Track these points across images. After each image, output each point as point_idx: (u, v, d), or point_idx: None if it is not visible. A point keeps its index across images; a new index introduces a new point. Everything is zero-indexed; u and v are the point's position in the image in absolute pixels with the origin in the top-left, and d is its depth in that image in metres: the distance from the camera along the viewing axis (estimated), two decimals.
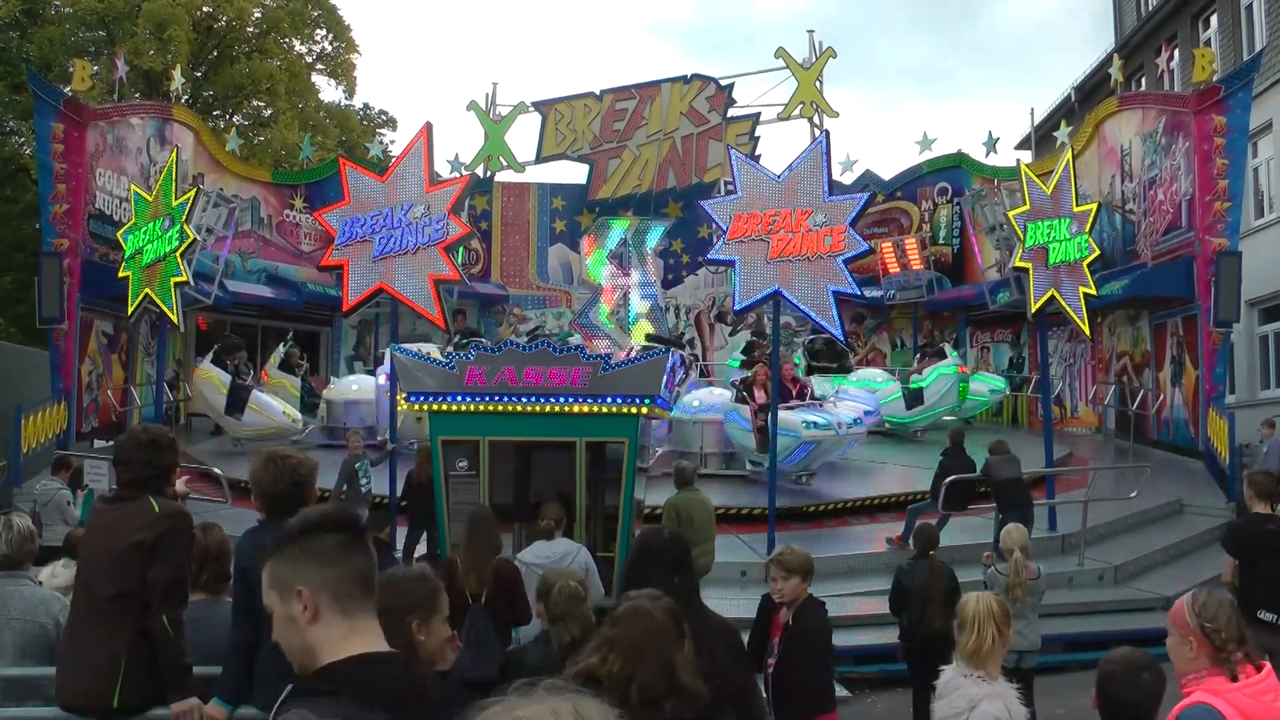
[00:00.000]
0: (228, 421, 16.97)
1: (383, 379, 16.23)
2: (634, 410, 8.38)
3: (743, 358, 17.57)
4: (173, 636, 3.81)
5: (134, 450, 4.03)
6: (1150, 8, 24.18)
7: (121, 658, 3.76)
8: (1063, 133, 20.12)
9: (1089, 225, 12.39)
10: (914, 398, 18.22)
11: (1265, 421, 14.78)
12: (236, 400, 16.75)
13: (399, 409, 11.09)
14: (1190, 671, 3.25)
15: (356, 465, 11.61)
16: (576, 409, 8.35)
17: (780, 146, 52.76)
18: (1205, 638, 3.23)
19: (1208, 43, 21.01)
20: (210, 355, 17.41)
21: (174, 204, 13.62)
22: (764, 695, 4.48)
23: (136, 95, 23.57)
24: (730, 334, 23.64)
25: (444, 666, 3.10)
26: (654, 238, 24.19)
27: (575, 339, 20.02)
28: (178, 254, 13.36)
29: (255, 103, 31.26)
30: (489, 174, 24.19)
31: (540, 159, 24.32)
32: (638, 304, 24.14)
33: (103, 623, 3.81)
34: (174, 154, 15.19)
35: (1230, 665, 3.22)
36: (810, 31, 24.38)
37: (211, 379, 17.15)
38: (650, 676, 3.00)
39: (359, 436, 12.60)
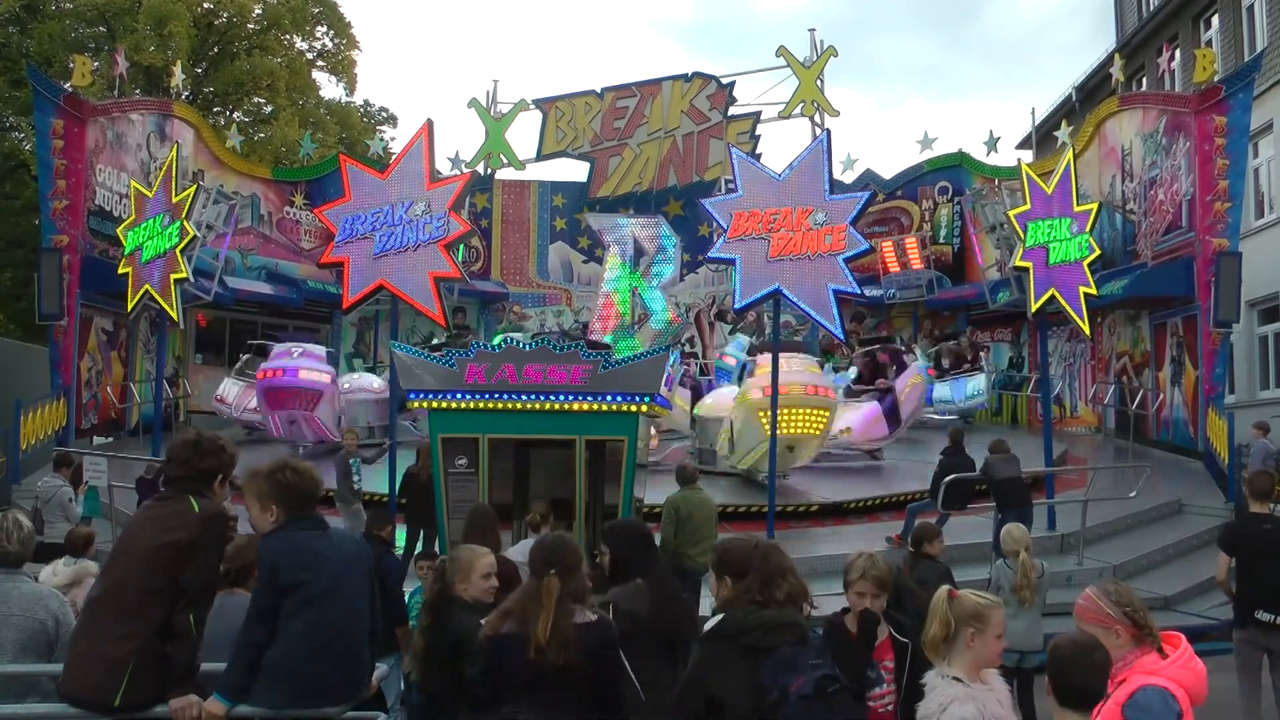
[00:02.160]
0: None
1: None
2: (633, 408, 8.39)
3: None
4: (195, 636, 3.82)
5: (178, 449, 4.11)
6: (1151, 8, 24.18)
7: (131, 658, 3.75)
8: (1063, 132, 20.14)
9: (1089, 225, 12.39)
10: None
11: (1256, 424, 14.79)
12: None
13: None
14: (1117, 660, 3.32)
15: (350, 462, 11.75)
16: (576, 407, 8.35)
17: (781, 145, 52.88)
18: (1130, 621, 3.33)
19: (1209, 43, 21.01)
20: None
21: (174, 200, 13.61)
22: None
23: (137, 91, 23.56)
24: (730, 332, 23.63)
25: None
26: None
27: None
28: (178, 250, 13.36)
29: (256, 99, 31.21)
30: (489, 171, 24.20)
31: (541, 157, 24.33)
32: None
33: (122, 620, 3.80)
34: (174, 150, 15.17)
35: (1155, 639, 3.33)
36: (811, 30, 24.54)
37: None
38: (803, 586, 3.93)
39: (354, 435, 12.76)
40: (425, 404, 8.75)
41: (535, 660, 3.79)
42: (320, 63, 32.96)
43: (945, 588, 3.73)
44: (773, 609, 3.78)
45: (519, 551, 7.12)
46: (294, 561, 3.94)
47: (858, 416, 15.72)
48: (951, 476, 11.58)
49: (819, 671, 3.53)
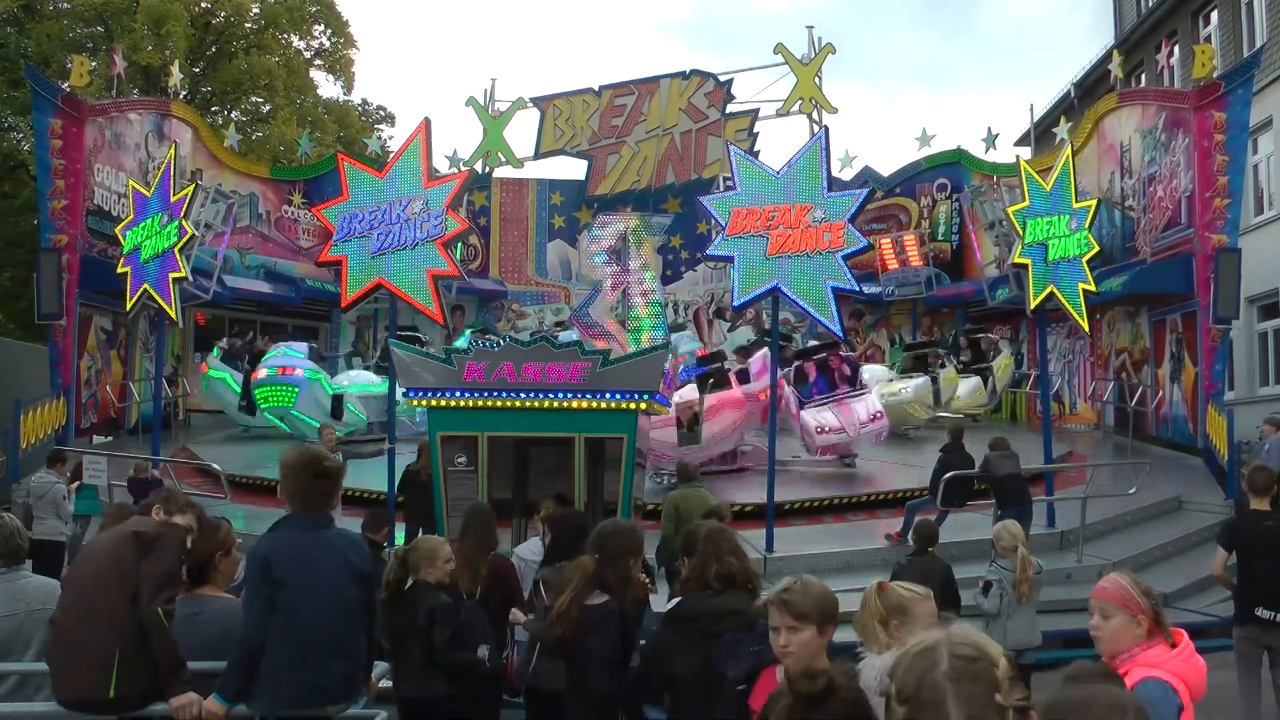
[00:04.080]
0: None
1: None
2: (633, 406, 8.39)
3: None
4: (167, 629, 3.81)
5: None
6: (1151, 4, 24.14)
7: (116, 649, 3.77)
8: (1062, 129, 20.12)
9: (1088, 221, 12.37)
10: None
11: (1267, 420, 14.73)
12: None
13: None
14: (1124, 649, 3.32)
15: None
16: (575, 404, 8.37)
17: (779, 142, 52.85)
18: (1153, 614, 3.34)
19: (1208, 39, 20.98)
20: None
21: (172, 200, 13.60)
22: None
23: (135, 91, 23.52)
24: (729, 329, 23.61)
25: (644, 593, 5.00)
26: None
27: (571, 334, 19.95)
28: (176, 250, 13.34)
29: (253, 98, 31.20)
30: (487, 169, 24.19)
31: (539, 155, 24.31)
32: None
33: (97, 615, 3.83)
34: (172, 150, 15.16)
35: (1167, 632, 3.34)
36: (809, 27, 24.56)
37: None
38: (742, 567, 4.23)
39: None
40: (424, 402, 8.77)
41: (547, 630, 4.64)
42: (318, 62, 32.94)
43: (876, 581, 3.83)
44: (723, 596, 4.07)
45: (530, 550, 7.12)
46: (285, 560, 3.99)
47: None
48: (950, 474, 11.57)
49: (756, 659, 3.75)
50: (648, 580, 5.63)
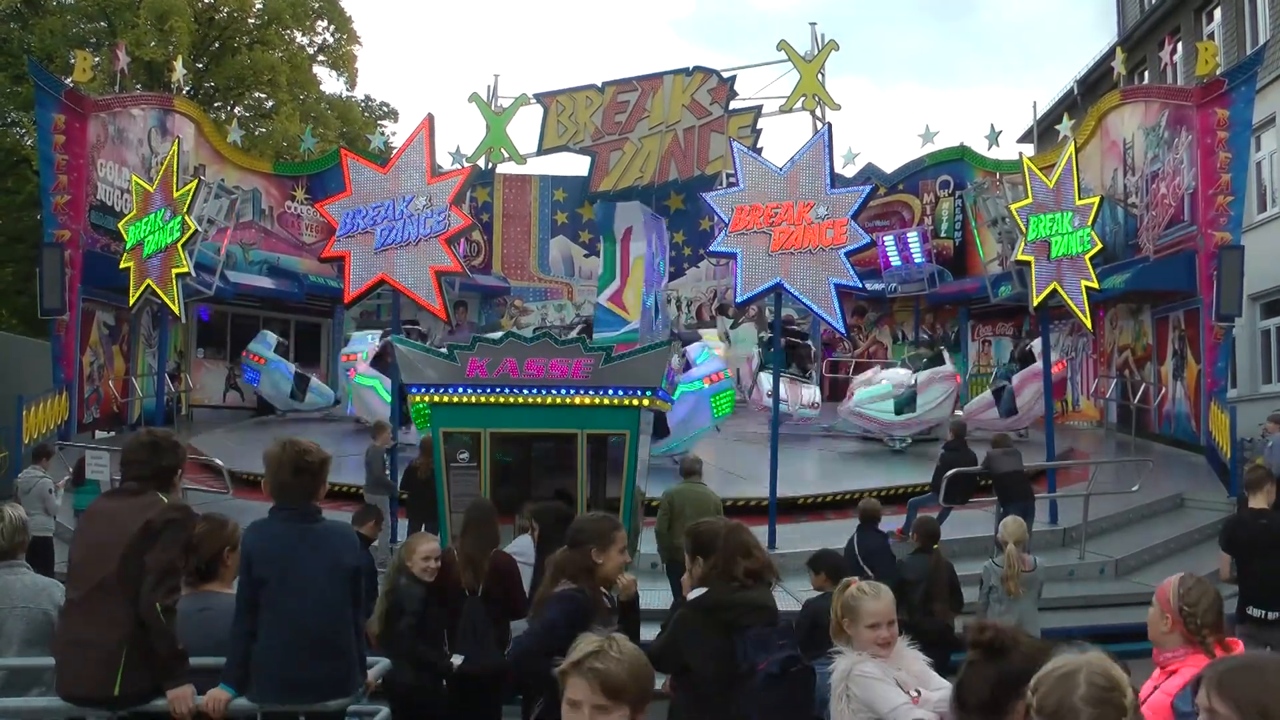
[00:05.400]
0: None
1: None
2: (635, 402, 8.40)
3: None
4: (166, 624, 3.80)
5: (135, 451, 4.11)
6: (1153, 1, 24.10)
7: (123, 646, 3.77)
8: (1065, 126, 20.10)
9: (1091, 219, 12.37)
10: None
11: (1270, 417, 14.70)
12: None
13: None
14: (1166, 647, 3.44)
15: (384, 457, 11.75)
16: (578, 401, 8.37)
17: (782, 139, 52.79)
18: (1181, 619, 3.42)
19: (1211, 36, 20.94)
20: None
21: (175, 195, 13.62)
22: None
23: (138, 86, 23.55)
24: (731, 327, 23.61)
25: (624, 588, 4.51)
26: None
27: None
28: (179, 245, 13.37)
29: (256, 94, 31.20)
30: (490, 166, 24.18)
31: (542, 151, 24.29)
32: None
33: (104, 610, 3.81)
34: (175, 145, 15.18)
35: (1207, 648, 3.41)
36: (812, 24, 24.48)
37: None
38: (767, 561, 4.34)
39: (387, 429, 12.62)
40: (427, 398, 8.78)
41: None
42: (321, 57, 32.93)
43: (846, 579, 4.03)
44: (750, 591, 4.17)
45: (518, 547, 7.13)
46: (265, 555, 3.98)
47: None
48: (953, 470, 11.59)
49: (784, 652, 3.96)
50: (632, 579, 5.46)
